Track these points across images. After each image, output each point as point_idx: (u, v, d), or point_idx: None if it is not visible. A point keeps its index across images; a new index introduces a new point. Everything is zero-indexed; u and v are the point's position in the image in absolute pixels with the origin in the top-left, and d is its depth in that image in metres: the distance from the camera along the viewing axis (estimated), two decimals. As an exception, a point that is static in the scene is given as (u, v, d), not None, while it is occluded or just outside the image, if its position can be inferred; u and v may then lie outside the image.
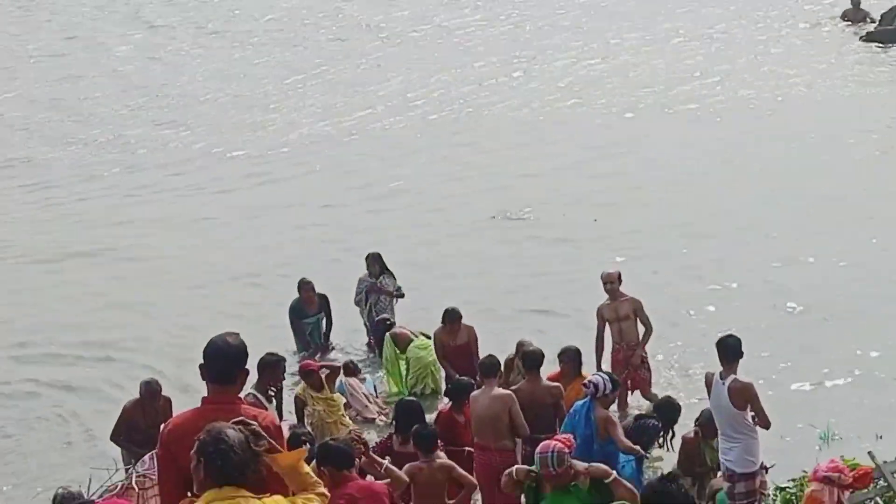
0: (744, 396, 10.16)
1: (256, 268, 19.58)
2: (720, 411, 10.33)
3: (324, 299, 16.06)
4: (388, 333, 14.93)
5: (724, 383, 10.18)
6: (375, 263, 15.95)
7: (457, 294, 16.42)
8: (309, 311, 15.99)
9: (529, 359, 11.39)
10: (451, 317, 13.87)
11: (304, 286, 15.94)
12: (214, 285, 19.21)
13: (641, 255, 18.40)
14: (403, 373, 14.87)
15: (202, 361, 5.82)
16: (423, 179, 23.61)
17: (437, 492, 9.85)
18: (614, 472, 8.33)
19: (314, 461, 7.80)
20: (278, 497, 5.30)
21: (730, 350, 10.28)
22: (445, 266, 19.09)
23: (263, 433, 5.39)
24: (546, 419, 10.98)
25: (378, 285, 15.88)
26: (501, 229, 20.70)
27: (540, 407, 11.06)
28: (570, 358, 11.78)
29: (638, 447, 10.23)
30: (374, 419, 13.87)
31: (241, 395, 6.17)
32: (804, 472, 10.78)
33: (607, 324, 13.21)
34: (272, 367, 11.24)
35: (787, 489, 11.02)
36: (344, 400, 13.16)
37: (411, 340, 14.90)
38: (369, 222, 21.05)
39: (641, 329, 13.34)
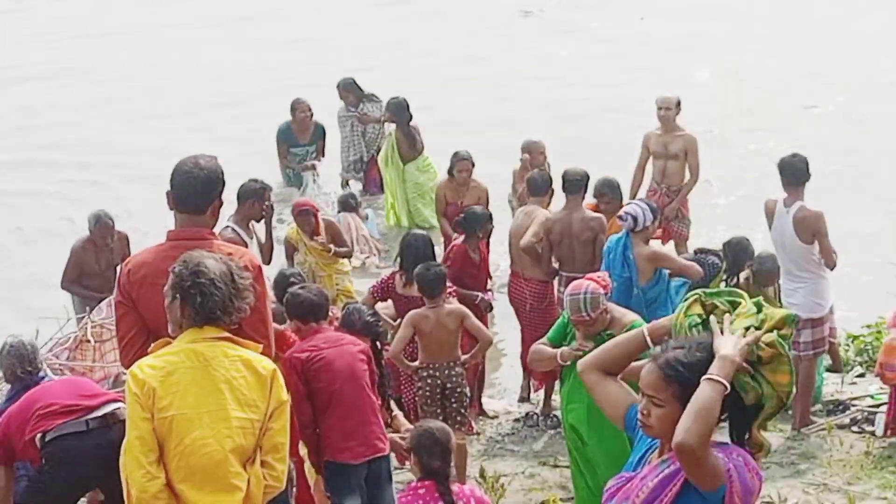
0: (811, 227, 8.96)
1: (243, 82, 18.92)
2: (783, 245, 9.18)
3: (319, 129, 14.43)
4: (393, 132, 13.44)
5: (788, 211, 9.03)
6: (349, 92, 14.15)
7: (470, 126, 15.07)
8: (300, 139, 14.31)
9: (570, 181, 9.87)
10: (460, 161, 11.18)
11: (299, 107, 14.23)
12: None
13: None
14: (405, 192, 13.40)
15: (169, 188, 5.42)
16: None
17: (446, 345, 8.45)
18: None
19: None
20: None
21: (795, 171, 9.04)
22: (456, 84, 18.21)
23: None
24: (583, 257, 9.63)
25: (361, 114, 14.17)
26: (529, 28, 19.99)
27: (577, 241, 9.69)
28: (611, 192, 10.16)
29: (696, 265, 9.05)
30: (360, 265, 12.30)
31: (217, 229, 5.68)
32: (881, 317, 10.24)
33: (651, 157, 11.65)
34: (256, 195, 9.53)
35: (862, 337, 10.54)
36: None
37: (414, 158, 13.30)
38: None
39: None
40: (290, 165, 14.20)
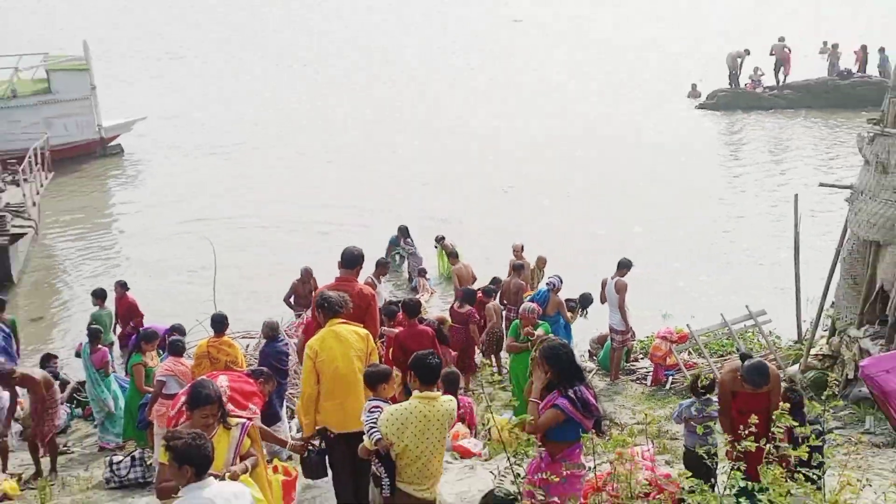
0: (623, 289, 16.83)
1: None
2: (612, 294, 17.07)
3: (404, 231, 23.87)
4: (439, 246, 22.84)
5: (612, 280, 16.79)
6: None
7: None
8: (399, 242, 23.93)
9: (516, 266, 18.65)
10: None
11: (402, 231, 23.71)
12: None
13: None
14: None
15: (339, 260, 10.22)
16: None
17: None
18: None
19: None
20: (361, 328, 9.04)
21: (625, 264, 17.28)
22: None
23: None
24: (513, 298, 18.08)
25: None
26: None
27: (515, 293, 18.22)
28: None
29: (571, 315, 17.55)
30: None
31: (363, 277, 10.70)
32: (651, 334, 18.07)
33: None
34: (385, 265, 17.33)
35: (642, 341, 18.23)
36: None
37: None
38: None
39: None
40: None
